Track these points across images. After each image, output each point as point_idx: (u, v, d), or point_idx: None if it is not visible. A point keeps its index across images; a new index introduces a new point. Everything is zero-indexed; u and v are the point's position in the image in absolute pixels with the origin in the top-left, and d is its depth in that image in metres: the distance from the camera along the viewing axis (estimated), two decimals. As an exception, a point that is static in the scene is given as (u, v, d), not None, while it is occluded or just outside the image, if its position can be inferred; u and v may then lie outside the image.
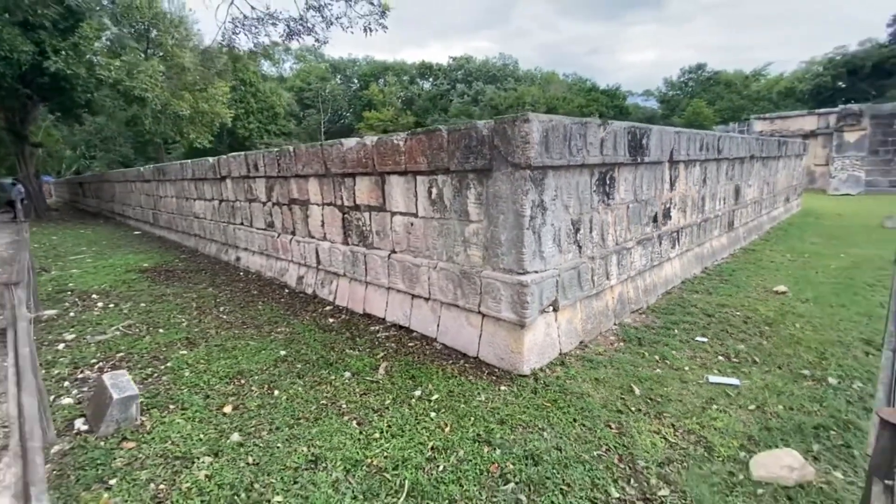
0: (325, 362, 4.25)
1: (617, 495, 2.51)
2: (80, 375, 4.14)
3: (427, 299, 4.80)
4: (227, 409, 3.48)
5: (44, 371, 4.14)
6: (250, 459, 2.86)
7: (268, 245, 7.78)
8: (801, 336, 4.54)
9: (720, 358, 4.15)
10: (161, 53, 21.51)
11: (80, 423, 3.30)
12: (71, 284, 7.52)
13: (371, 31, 13.33)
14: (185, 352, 4.62)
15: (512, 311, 3.85)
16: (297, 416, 3.35)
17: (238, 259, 8.87)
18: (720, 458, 2.79)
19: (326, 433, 3.10)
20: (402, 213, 5.01)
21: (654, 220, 5.80)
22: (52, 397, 3.68)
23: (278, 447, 2.97)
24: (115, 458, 2.90)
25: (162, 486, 2.64)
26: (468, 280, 4.23)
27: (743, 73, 52.38)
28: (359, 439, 3.03)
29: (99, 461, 2.87)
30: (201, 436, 3.12)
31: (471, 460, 2.79)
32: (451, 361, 4.18)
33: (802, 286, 6.17)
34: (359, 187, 5.55)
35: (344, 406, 3.46)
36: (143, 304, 6.33)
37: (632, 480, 2.62)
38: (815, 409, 3.28)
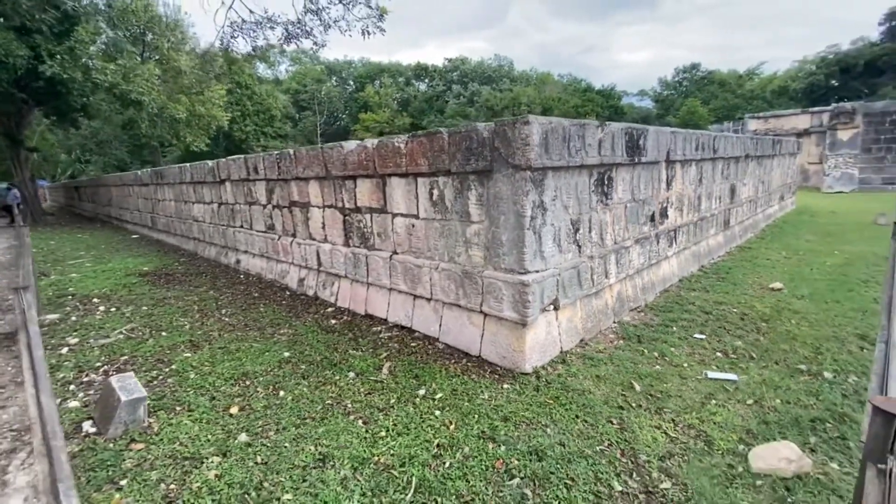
0: (328, 363, 4.30)
1: (620, 489, 2.57)
2: (86, 379, 4.17)
3: (429, 300, 4.86)
4: (234, 410, 3.52)
5: (49, 375, 4.16)
6: (259, 459, 2.90)
7: (268, 247, 7.81)
8: (797, 332, 4.62)
9: (718, 354, 4.22)
10: (157, 57, 21.51)
11: (88, 426, 3.34)
12: (71, 288, 7.53)
13: (369, 34, 13.41)
14: (189, 354, 4.65)
15: (514, 310, 3.90)
16: (303, 416, 3.39)
17: (238, 262, 8.89)
18: (720, 452, 2.85)
19: (333, 432, 3.15)
20: (403, 215, 5.06)
21: (652, 219, 5.87)
22: (58, 401, 3.71)
23: (286, 446, 3.01)
24: (124, 460, 2.94)
25: (172, 486, 2.68)
26: (470, 280, 4.29)
27: (737, 73, 52.60)
28: (365, 438, 3.07)
29: (109, 462, 2.91)
30: (209, 436, 3.16)
31: (476, 457, 2.84)
32: (453, 360, 4.23)
33: (798, 283, 6.26)
34: (360, 189, 5.59)
35: (349, 406, 3.51)
36: (144, 308, 6.35)
37: (634, 474, 2.68)
38: (811, 402, 3.35)
